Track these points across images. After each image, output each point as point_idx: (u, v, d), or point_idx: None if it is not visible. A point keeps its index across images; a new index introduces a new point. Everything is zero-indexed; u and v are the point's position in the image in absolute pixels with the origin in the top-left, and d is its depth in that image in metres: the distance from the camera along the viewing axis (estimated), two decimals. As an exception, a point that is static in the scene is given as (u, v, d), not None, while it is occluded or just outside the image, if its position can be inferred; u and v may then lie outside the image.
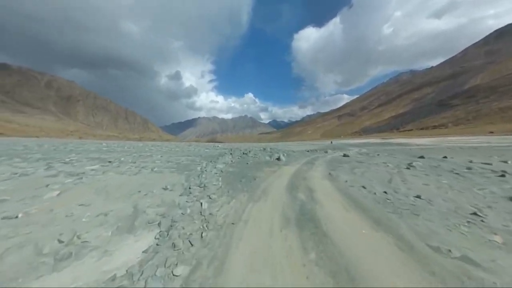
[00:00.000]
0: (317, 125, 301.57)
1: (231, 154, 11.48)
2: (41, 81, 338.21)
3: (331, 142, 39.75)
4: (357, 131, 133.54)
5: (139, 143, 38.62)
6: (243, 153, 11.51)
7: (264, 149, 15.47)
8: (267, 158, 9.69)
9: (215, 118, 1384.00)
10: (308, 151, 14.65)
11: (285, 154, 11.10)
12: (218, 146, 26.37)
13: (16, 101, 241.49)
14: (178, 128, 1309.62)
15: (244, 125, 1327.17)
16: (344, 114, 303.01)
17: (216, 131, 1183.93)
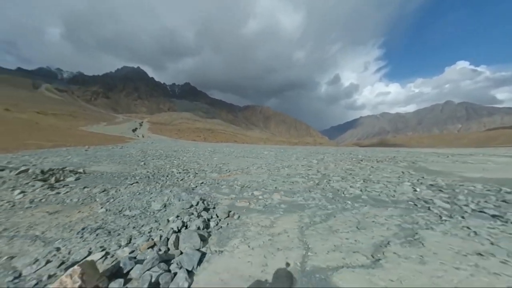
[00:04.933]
0: None
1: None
2: (257, 110, 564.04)
3: None
4: None
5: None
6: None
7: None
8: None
9: (384, 114, 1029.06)
10: None
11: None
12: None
13: (249, 123, 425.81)
14: (337, 130, 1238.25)
15: (446, 116, 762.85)
16: None
17: (386, 130, 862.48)
